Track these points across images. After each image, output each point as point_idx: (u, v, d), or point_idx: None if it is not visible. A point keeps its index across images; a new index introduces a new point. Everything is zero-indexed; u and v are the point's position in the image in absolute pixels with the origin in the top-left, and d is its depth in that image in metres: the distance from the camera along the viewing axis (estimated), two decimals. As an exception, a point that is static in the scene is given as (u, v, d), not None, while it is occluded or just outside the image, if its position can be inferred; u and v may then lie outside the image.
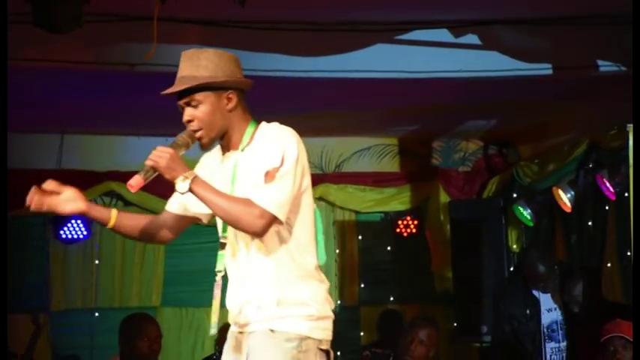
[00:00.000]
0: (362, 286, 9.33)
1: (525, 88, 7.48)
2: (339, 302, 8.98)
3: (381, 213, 9.46)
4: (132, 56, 6.54)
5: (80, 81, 7.04)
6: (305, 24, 6.36)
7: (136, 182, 3.56)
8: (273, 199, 3.53)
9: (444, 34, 6.80)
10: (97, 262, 8.83)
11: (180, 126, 3.74)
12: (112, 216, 3.83)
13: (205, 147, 3.74)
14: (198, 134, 3.67)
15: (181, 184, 3.53)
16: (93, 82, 7.09)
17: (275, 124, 3.71)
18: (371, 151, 9.15)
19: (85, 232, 8.60)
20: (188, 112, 3.68)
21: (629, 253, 6.42)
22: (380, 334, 8.88)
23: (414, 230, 9.44)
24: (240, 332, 3.73)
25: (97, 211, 3.85)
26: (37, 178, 8.69)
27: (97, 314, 8.67)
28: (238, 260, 3.72)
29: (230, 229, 3.69)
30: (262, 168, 3.57)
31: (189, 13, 6.20)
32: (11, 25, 5.93)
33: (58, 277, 8.72)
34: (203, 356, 7.93)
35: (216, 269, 3.77)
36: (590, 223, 8.28)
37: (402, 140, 9.38)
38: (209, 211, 3.71)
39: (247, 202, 3.54)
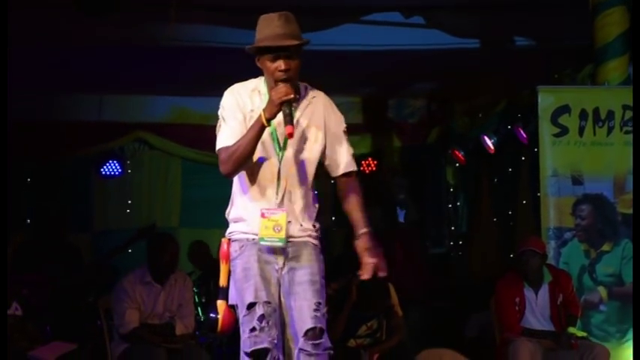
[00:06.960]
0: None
1: (460, 58, 7.51)
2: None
3: (349, 155, 9.47)
4: (155, 34, 6.53)
5: (115, 54, 7.02)
6: (292, 7, 6.34)
7: (291, 129, 3.47)
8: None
9: (396, 16, 6.83)
10: (128, 193, 8.85)
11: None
12: None
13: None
14: (289, 81, 3.50)
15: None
16: (125, 55, 7.07)
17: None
18: (341, 107, 9.12)
19: (119, 170, 8.61)
20: (287, 62, 3.49)
21: (538, 194, 6.52)
22: (345, 248, 8.95)
23: (374, 168, 9.46)
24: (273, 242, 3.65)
25: None
26: (83, 127, 8.82)
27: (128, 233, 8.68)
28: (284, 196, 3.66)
29: (283, 176, 3.62)
30: (338, 127, 3.79)
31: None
32: (56, 10, 5.90)
33: (99, 205, 8.75)
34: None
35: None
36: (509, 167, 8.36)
37: (365, 99, 9.37)
38: None
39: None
